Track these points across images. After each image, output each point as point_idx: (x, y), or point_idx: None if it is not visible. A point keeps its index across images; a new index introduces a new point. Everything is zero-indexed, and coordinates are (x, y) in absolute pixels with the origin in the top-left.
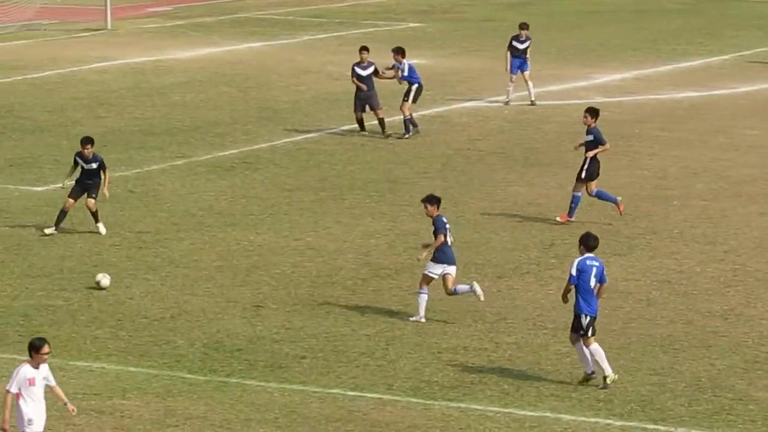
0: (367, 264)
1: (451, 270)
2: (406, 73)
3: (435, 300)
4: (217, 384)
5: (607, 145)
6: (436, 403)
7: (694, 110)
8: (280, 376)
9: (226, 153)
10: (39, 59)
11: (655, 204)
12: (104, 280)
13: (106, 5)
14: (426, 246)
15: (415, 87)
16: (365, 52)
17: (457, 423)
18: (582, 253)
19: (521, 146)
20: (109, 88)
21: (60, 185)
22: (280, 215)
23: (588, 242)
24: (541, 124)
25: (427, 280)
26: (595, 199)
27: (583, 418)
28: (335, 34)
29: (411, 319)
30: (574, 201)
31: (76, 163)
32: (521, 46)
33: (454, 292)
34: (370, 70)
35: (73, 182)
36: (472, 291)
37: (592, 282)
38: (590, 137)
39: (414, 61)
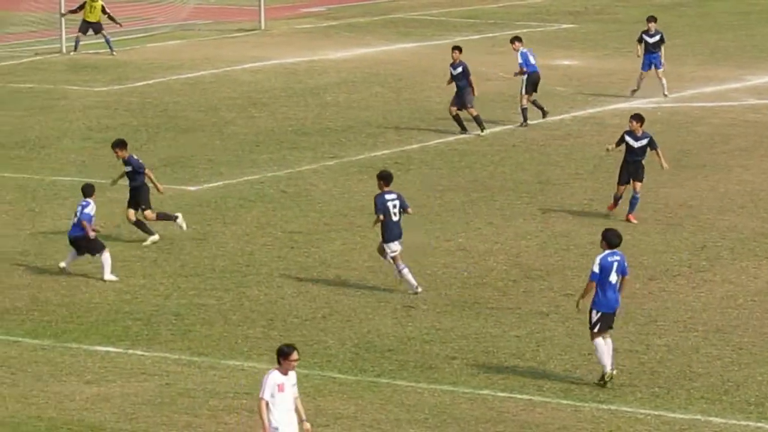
0: (518, 265)
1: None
2: (520, 60)
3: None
4: (367, 384)
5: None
6: (586, 405)
7: None
8: (430, 377)
9: (378, 153)
10: (193, 59)
11: None
12: None
13: (260, 6)
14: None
15: (526, 77)
16: (456, 51)
17: (607, 425)
18: (603, 249)
19: (673, 148)
20: (262, 88)
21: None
22: (432, 216)
23: (610, 239)
24: (693, 126)
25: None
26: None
27: (734, 422)
28: (488, 35)
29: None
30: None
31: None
32: (651, 40)
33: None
34: (459, 69)
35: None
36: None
37: (614, 277)
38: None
39: (566, 62)
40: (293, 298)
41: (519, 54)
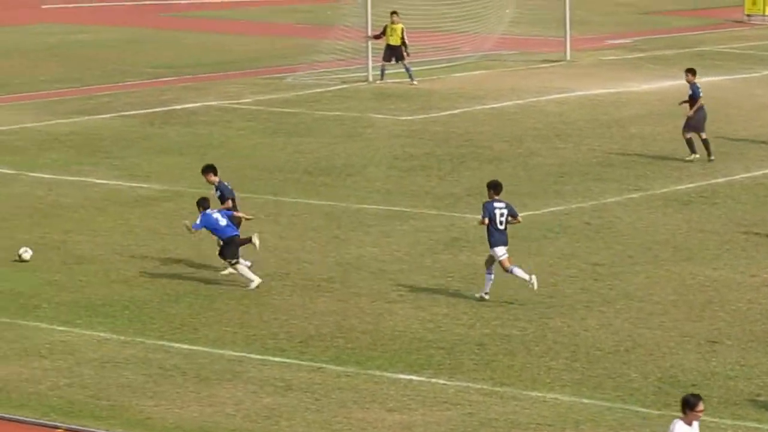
0: None
1: None
2: (691, 92)
3: None
4: (669, 418)
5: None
6: None
7: None
8: (734, 413)
9: (683, 186)
10: (498, 89)
11: None
12: (26, 254)
13: (565, 37)
14: None
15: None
16: (689, 74)
17: None
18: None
19: None
20: (567, 119)
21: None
22: (737, 251)
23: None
24: None
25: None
26: None
27: None
28: None
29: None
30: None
31: None
32: None
33: None
34: (690, 92)
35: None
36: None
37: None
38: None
39: None
40: (596, 330)
41: (694, 87)
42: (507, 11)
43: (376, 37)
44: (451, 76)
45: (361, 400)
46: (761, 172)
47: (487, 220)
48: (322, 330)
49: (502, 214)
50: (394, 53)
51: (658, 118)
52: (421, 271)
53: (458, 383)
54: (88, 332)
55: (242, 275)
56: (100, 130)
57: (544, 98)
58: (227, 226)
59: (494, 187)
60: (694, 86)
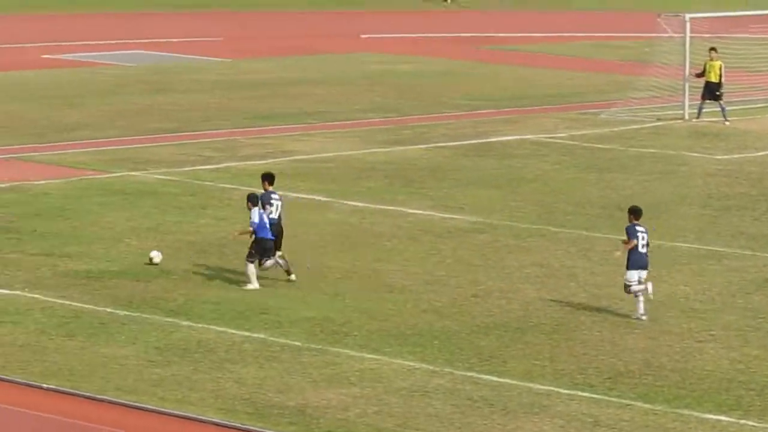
0: None
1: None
2: None
3: None
4: None
5: None
6: None
7: None
8: None
9: None
10: None
11: None
12: (156, 258)
13: None
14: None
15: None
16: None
17: None
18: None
19: None
20: None
21: None
22: None
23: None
24: None
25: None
26: None
27: None
28: None
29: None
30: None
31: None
32: None
33: None
34: None
35: None
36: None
37: None
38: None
39: None
40: None
41: None
42: None
43: (698, 75)
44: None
45: None
46: None
47: (635, 241)
48: (630, 367)
49: (643, 237)
50: (712, 90)
51: None
52: (733, 311)
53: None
54: (397, 361)
55: (247, 273)
56: (415, 161)
57: None
58: (265, 227)
59: (635, 212)
60: None
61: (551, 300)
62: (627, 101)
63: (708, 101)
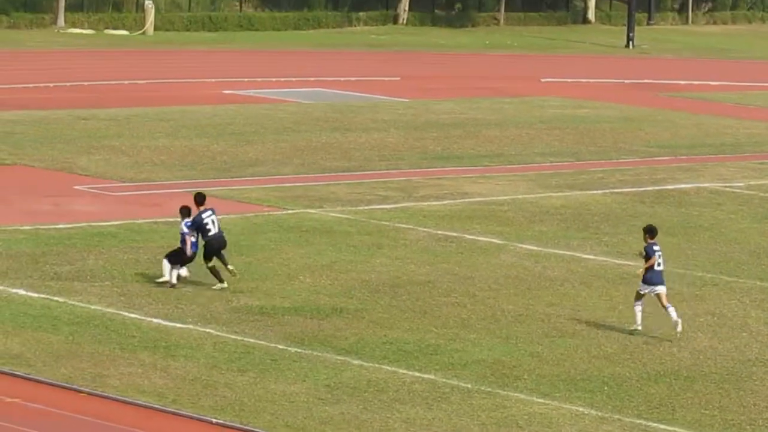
0: None
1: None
2: None
3: None
4: None
5: None
6: None
7: None
8: None
9: None
10: None
11: None
12: (183, 271)
13: None
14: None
15: None
16: None
17: None
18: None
19: None
20: None
21: None
22: None
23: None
24: None
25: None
26: None
27: None
28: None
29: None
30: None
31: None
32: None
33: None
34: None
35: None
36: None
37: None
38: None
39: None
40: None
41: None
42: None
43: None
44: None
45: None
46: None
47: (652, 260)
48: None
49: (660, 255)
50: None
51: None
52: None
53: None
54: (566, 406)
55: (164, 270)
56: (591, 206)
57: None
58: (195, 242)
59: (650, 232)
60: None
61: (722, 349)
62: None
63: None
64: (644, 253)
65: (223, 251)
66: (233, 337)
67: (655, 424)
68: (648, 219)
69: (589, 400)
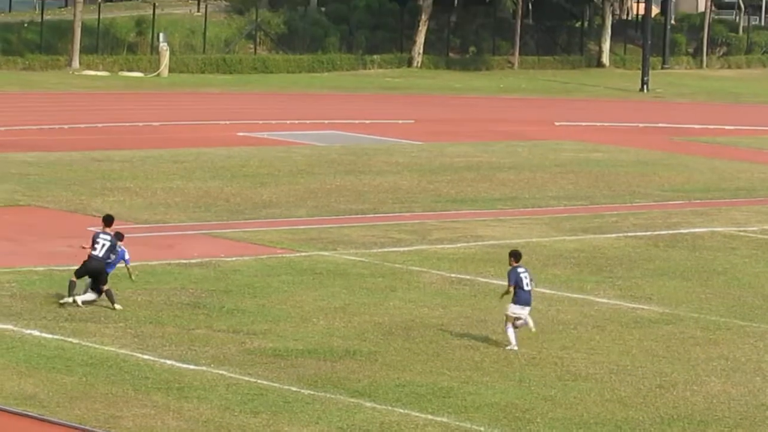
0: None
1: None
2: None
3: None
4: None
5: None
6: None
7: None
8: None
9: None
10: None
11: None
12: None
13: None
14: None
15: None
16: None
17: None
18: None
19: None
20: None
21: None
22: None
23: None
24: None
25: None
26: None
27: None
28: None
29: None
30: None
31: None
32: None
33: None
34: None
35: None
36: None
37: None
38: None
39: None
40: None
41: None
42: None
43: None
44: None
45: None
46: None
47: (513, 287)
48: None
49: (525, 277)
50: None
51: None
52: None
53: None
54: None
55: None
56: (605, 249)
57: None
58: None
59: (514, 256)
60: None
61: (736, 393)
62: None
63: None
64: (507, 277)
65: (98, 279)
66: (246, 378)
67: None
68: (662, 263)
69: None
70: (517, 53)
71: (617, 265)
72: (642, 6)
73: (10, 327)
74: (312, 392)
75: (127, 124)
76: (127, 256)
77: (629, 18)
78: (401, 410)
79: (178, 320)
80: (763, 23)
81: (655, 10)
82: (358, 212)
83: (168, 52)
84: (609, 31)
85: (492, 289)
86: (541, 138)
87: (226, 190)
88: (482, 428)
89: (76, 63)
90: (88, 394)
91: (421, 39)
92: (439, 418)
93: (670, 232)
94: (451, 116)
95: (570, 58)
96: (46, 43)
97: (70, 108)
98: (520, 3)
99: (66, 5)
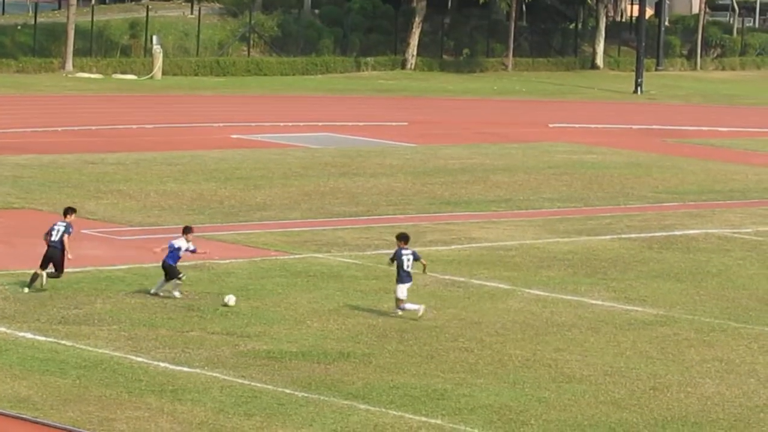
0: None
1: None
2: None
3: None
4: None
5: None
6: None
7: None
8: None
9: None
10: None
11: None
12: (230, 301)
13: None
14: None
15: None
16: None
17: None
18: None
19: None
20: None
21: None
22: None
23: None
24: None
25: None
26: None
27: None
28: None
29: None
30: None
31: None
32: None
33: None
34: None
35: None
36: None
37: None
38: None
39: None
40: None
41: None
42: None
43: None
44: None
45: None
46: None
47: (394, 264)
48: None
49: (408, 259)
50: None
51: None
52: None
53: None
54: None
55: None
56: (599, 251)
57: None
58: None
59: (402, 238)
60: None
61: (730, 395)
62: None
63: None
64: (393, 256)
65: (53, 264)
66: (240, 381)
67: None
68: (656, 265)
69: None
70: (511, 55)
71: (611, 266)
72: (636, 8)
73: (3, 329)
74: (306, 394)
75: (121, 126)
76: (189, 248)
77: (623, 20)
78: (395, 412)
79: (171, 322)
80: (757, 25)
81: (649, 12)
82: (352, 214)
83: (161, 55)
84: (603, 33)
85: (486, 291)
86: (535, 140)
87: (220, 192)
88: (476, 430)
89: (69, 66)
90: (82, 397)
91: (414, 41)
92: (433, 420)
93: (664, 233)
94: (445, 118)
95: (564, 60)
96: (40, 45)
97: (64, 110)
98: (514, 5)
99: (59, 8)
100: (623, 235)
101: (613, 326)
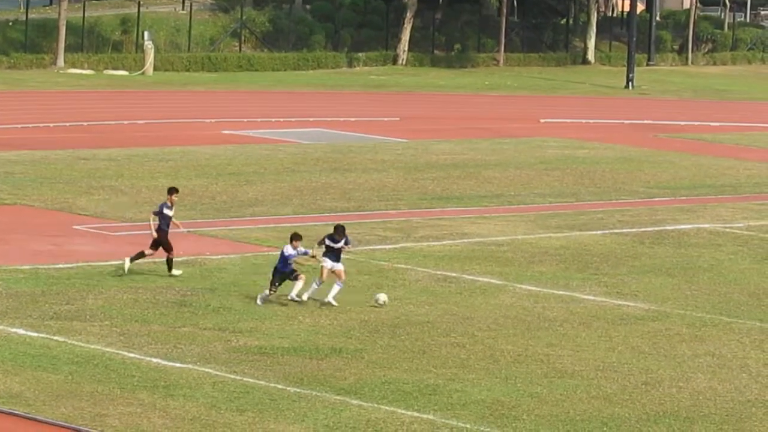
0: None
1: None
2: None
3: None
4: None
5: None
6: None
7: None
8: None
9: None
10: None
11: None
12: (381, 298)
13: None
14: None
15: None
16: None
17: None
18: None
19: None
20: None
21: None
22: None
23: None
24: None
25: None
26: None
27: None
28: None
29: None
30: None
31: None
32: None
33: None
34: None
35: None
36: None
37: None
38: None
39: None
40: None
41: None
42: None
43: None
44: None
45: None
46: None
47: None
48: None
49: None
50: None
51: None
52: None
53: None
54: None
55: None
56: (591, 246)
57: None
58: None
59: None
60: None
61: (722, 390)
62: None
63: None
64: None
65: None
66: (232, 377)
67: None
68: (647, 260)
69: None
70: (502, 50)
71: (603, 262)
72: (627, 3)
73: None
74: (298, 390)
75: (112, 122)
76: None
77: (614, 15)
78: (387, 408)
79: (164, 318)
80: (748, 20)
81: (641, 7)
82: (344, 210)
83: (153, 51)
84: (594, 28)
85: (478, 286)
86: (527, 135)
87: (212, 188)
88: (468, 425)
89: (61, 61)
90: (74, 393)
91: (406, 37)
92: (425, 416)
93: (656, 228)
94: (436, 114)
95: (555, 55)
96: (31, 41)
97: (55, 106)
98: (506, 0)
99: (51, 4)
100: (615, 230)
101: (605, 321)
